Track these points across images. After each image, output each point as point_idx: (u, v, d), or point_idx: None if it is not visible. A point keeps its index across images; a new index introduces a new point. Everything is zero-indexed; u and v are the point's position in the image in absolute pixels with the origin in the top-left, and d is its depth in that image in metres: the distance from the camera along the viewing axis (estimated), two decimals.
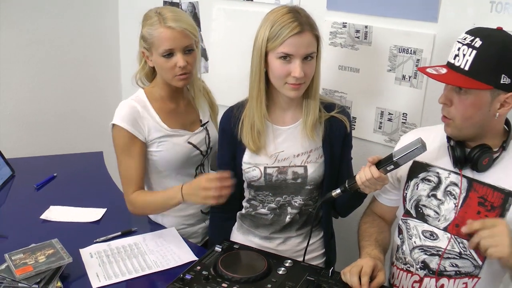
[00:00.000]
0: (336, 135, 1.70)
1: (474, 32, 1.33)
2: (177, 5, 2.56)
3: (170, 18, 1.73)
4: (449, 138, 1.46)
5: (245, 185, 1.79)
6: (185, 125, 1.92)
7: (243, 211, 1.83)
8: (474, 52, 1.30)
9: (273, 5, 2.32)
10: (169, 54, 1.74)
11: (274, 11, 1.58)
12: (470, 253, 1.41)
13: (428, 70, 1.38)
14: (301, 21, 1.53)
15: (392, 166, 1.43)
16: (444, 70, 1.35)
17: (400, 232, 1.58)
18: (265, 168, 1.69)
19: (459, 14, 1.91)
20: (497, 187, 1.37)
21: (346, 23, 2.16)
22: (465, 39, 1.33)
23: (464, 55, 1.32)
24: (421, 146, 1.38)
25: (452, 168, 1.46)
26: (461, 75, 1.32)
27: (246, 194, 1.81)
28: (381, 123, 2.18)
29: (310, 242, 1.68)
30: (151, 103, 1.86)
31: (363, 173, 1.46)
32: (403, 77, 2.08)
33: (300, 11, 1.58)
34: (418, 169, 1.54)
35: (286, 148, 1.69)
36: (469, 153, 1.39)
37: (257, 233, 1.79)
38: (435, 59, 1.98)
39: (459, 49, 1.34)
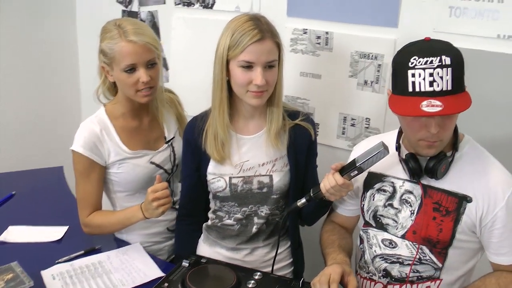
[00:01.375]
0: (300, 143, 1.69)
1: (433, 53, 1.28)
2: (135, 14, 2.52)
3: (131, 32, 1.68)
4: (398, 149, 1.46)
5: (210, 196, 1.77)
6: (149, 144, 1.88)
7: (209, 222, 1.81)
8: (450, 69, 1.26)
9: (234, 12, 2.29)
10: (131, 69, 1.69)
11: (235, 19, 1.57)
12: (430, 257, 1.42)
13: (425, 109, 1.25)
14: (262, 29, 1.52)
15: (356, 172, 1.43)
16: (437, 102, 1.25)
17: (361, 241, 1.59)
18: (230, 178, 1.67)
19: (419, 19, 1.92)
20: (451, 191, 1.39)
21: (306, 29, 2.16)
22: (431, 62, 1.27)
23: (441, 77, 1.26)
24: (384, 150, 1.37)
25: (406, 177, 1.47)
26: (451, 97, 1.27)
27: (212, 205, 1.79)
28: (344, 128, 2.18)
29: (278, 252, 1.67)
30: (113, 122, 1.81)
31: (327, 181, 1.45)
32: (365, 82, 2.09)
33: (261, 18, 1.56)
34: (373, 179, 1.55)
35: (251, 157, 1.68)
36: (427, 164, 1.39)
37: (224, 244, 1.77)
38: None
39: (431, 74, 1.26)
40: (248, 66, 1.52)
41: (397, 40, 1.98)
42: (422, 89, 1.27)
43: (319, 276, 1.40)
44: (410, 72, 1.28)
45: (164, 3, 2.51)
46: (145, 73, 1.69)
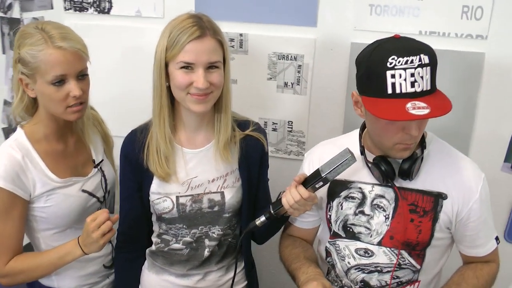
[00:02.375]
0: (253, 156, 1.55)
1: (411, 52, 1.20)
2: (17, 21, 2.11)
3: (58, 36, 1.39)
4: (363, 153, 1.40)
5: (153, 218, 1.56)
6: (77, 169, 1.58)
7: (154, 247, 1.59)
8: (429, 68, 1.21)
9: (134, 18, 2.07)
10: (60, 81, 1.40)
11: (174, 19, 1.40)
12: (409, 261, 1.38)
13: (412, 112, 1.17)
14: (202, 25, 1.36)
15: (321, 183, 1.33)
16: (423, 104, 1.18)
17: (329, 254, 1.50)
18: (177, 197, 1.48)
19: (339, 18, 1.90)
20: (425, 191, 1.36)
21: None
22: (412, 62, 1.19)
23: (422, 77, 1.19)
24: (351, 157, 1.28)
25: (373, 181, 1.40)
26: (431, 96, 1.21)
27: (156, 228, 1.58)
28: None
29: (227, 275, 1.55)
30: (35, 147, 1.49)
31: (290, 195, 1.34)
32: (285, 84, 2.01)
33: (202, 17, 1.41)
34: (337, 187, 1.45)
35: (199, 173, 1.50)
36: (402, 166, 1.34)
37: (173, 271, 1.57)
38: (317, 64, 1.95)
39: (412, 74, 1.19)
40: (188, 67, 1.35)
41: (317, 39, 1.93)
42: (403, 91, 1.20)
43: None
44: (389, 73, 1.20)
45: (52, 8, 2.14)
46: (76, 86, 1.42)
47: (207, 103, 1.41)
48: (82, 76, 1.46)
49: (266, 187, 1.62)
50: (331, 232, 1.48)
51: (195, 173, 1.50)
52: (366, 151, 1.41)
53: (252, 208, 1.56)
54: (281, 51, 1.97)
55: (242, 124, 1.55)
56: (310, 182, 1.33)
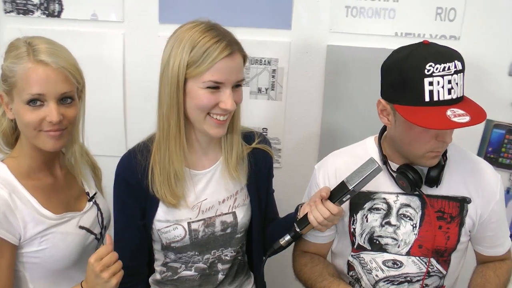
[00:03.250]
0: (261, 169, 1.46)
1: (447, 58, 1.20)
2: None
3: (44, 51, 1.20)
4: (386, 162, 1.38)
5: (157, 247, 1.41)
6: (70, 204, 1.36)
7: (158, 276, 1.45)
8: (462, 74, 1.22)
9: (89, 21, 1.84)
10: (36, 101, 1.20)
11: (188, 28, 1.26)
12: (437, 268, 1.39)
13: (455, 120, 1.16)
14: (229, 40, 1.25)
15: (348, 196, 1.28)
16: (461, 111, 1.18)
17: (351, 268, 1.47)
18: (189, 224, 1.35)
19: (314, 20, 1.85)
20: (450, 196, 1.38)
21: None
22: (449, 68, 1.18)
23: (457, 83, 1.20)
24: (378, 167, 1.25)
25: (398, 190, 1.39)
26: (463, 103, 1.22)
27: (160, 257, 1.43)
28: None
29: None
30: (21, 182, 1.26)
31: (318, 212, 1.27)
32: (259, 90, 1.92)
33: (218, 26, 1.28)
34: (361, 199, 1.41)
35: (209, 195, 1.38)
36: (429, 174, 1.34)
37: None
38: (293, 68, 1.90)
39: (450, 81, 1.18)
40: (216, 87, 1.23)
41: (292, 42, 1.87)
42: (441, 98, 1.19)
43: None
44: (427, 80, 1.18)
45: None
46: (55, 110, 1.21)
47: (224, 128, 1.31)
48: (66, 100, 1.25)
49: (273, 199, 1.55)
50: (355, 246, 1.44)
51: (205, 195, 1.38)
52: (388, 160, 1.38)
53: (262, 223, 1.48)
54: (254, 55, 1.88)
55: (247, 136, 1.45)
56: (337, 195, 1.28)
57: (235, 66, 1.25)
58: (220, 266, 1.44)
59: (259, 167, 1.45)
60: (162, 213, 1.34)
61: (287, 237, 1.33)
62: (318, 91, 1.92)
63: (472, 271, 1.49)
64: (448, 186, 1.37)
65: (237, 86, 1.28)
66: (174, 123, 1.27)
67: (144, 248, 1.41)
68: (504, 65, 1.84)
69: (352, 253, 1.45)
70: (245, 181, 1.42)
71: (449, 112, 1.18)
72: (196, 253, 1.40)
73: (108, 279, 1.17)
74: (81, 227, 1.36)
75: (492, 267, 1.45)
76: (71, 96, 1.25)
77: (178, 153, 1.30)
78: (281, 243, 1.34)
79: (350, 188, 1.25)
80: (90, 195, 1.42)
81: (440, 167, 1.33)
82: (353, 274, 1.46)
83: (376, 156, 1.39)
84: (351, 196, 1.29)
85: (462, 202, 1.36)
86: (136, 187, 1.33)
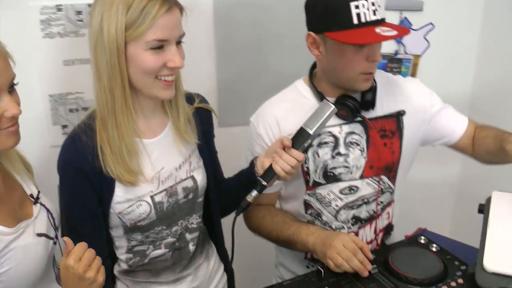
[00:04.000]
0: (207, 129, 1.41)
1: None
2: None
3: None
4: (323, 99, 1.41)
5: (119, 232, 1.27)
6: (17, 213, 1.12)
7: (125, 266, 1.31)
8: None
9: None
10: None
11: None
12: (388, 184, 1.48)
13: (385, 34, 1.25)
14: None
15: (309, 141, 1.30)
16: (388, 28, 1.27)
17: (309, 207, 1.49)
18: (152, 197, 1.24)
19: None
20: (387, 114, 1.46)
21: (61, 5, 1.64)
22: None
23: (379, 5, 1.28)
24: (334, 108, 1.30)
25: (339, 121, 1.43)
26: (388, 23, 1.30)
27: (122, 243, 1.29)
28: None
29: (210, 263, 1.44)
30: None
31: (284, 162, 1.27)
32: None
33: None
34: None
35: (165, 163, 1.28)
36: (364, 98, 1.41)
37: (162, 280, 1.35)
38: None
39: (373, 3, 1.26)
40: (160, 46, 1.13)
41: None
42: (368, 19, 1.27)
43: (338, 255, 1.25)
44: (353, 4, 1.25)
45: None
46: (12, 102, 1.04)
47: (173, 87, 1.22)
48: (12, 88, 1.06)
49: (217, 158, 1.50)
50: (310, 183, 1.45)
51: (161, 164, 1.27)
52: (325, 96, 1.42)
53: (216, 185, 1.42)
54: None
55: (187, 98, 1.36)
56: (298, 142, 1.29)
57: (175, 21, 1.15)
58: (188, 236, 1.35)
59: (205, 127, 1.39)
60: (121, 193, 1.20)
61: (254, 193, 1.30)
62: (210, 48, 1.86)
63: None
64: (382, 107, 1.45)
65: (178, 42, 1.18)
66: (119, 94, 1.14)
67: (105, 238, 1.25)
68: None
69: (308, 192, 1.46)
70: (195, 143, 1.34)
71: (377, 30, 1.26)
72: (164, 227, 1.29)
73: (94, 278, 1.02)
74: (39, 234, 1.14)
75: (480, 129, 1.50)
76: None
77: (127, 126, 1.17)
78: (249, 200, 1.30)
79: (311, 133, 1.27)
80: (34, 197, 1.18)
81: (373, 90, 1.41)
82: (312, 212, 1.48)
83: (311, 96, 1.43)
84: (311, 141, 1.30)
85: (398, 116, 1.46)
86: (90, 172, 1.17)
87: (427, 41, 2.17)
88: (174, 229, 1.30)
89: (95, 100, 1.17)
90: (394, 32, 1.26)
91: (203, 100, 1.40)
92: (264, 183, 1.29)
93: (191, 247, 1.36)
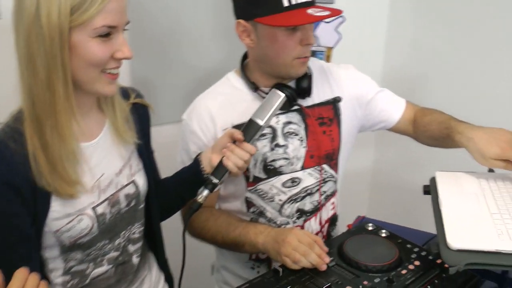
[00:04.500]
0: (145, 126, 1.26)
1: None
2: None
3: None
4: (257, 89, 1.35)
5: (55, 253, 1.08)
6: None
7: None
8: None
9: None
10: None
11: None
12: (330, 173, 1.44)
13: (317, 14, 1.20)
14: None
15: (260, 133, 1.23)
16: (318, 9, 1.22)
17: (251, 205, 1.40)
18: (94, 209, 1.07)
19: None
20: (323, 102, 1.42)
21: None
22: None
23: None
24: (284, 97, 1.24)
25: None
26: (320, 5, 1.26)
27: (58, 265, 1.09)
28: None
29: (152, 273, 1.30)
30: None
31: (236, 156, 1.18)
32: None
33: None
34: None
35: (104, 169, 1.11)
36: (300, 85, 1.35)
37: None
38: None
39: None
40: (108, 34, 0.98)
41: None
42: (299, 0, 1.23)
43: (295, 251, 1.17)
44: None
45: None
46: None
47: (116, 82, 1.07)
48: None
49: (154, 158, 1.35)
50: (250, 179, 1.37)
51: (100, 170, 1.10)
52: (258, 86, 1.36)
53: (155, 188, 1.27)
54: None
55: (122, 92, 1.20)
56: (249, 135, 1.21)
57: (124, 5, 1.00)
58: (131, 248, 1.20)
59: (143, 125, 1.24)
60: (58, 207, 1.02)
61: (205, 192, 1.19)
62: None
63: None
64: (318, 94, 1.41)
65: (124, 30, 1.04)
66: (61, 90, 0.96)
67: (38, 262, 1.05)
68: None
69: (249, 188, 1.38)
70: (134, 143, 1.19)
71: (309, 11, 1.22)
72: (106, 241, 1.12)
73: None
74: None
75: (422, 113, 1.47)
76: None
77: (69, 128, 1.00)
78: (200, 200, 1.19)
79: (262, 125, 1.20)
80: None
81: (308, 77, 1.36)
82: (254, 209, 1.40)
83: (244, 87, 1.37)
84: (261, 133, 1.24)
85: (335, 103, 1.43)
86: (22, 186, 0.97)
87: (339, 33, 2.18)
88: (117, 242, 1.14)
89: (23, 99, 0.98)
90: (327, 12, 1.22)
91: (138, 94, 1.25)
92: (215, 181, 1.19)
93: (135, 259, 1.21)
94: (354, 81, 1.47)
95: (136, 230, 1.20)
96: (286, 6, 1.20)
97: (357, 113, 1.46)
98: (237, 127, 1.32)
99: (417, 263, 1.18)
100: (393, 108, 1.48)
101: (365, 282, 1.11)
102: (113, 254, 1.14)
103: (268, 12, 1.21)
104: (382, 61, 2.34)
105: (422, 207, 2.06)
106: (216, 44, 1.85)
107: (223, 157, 1.19)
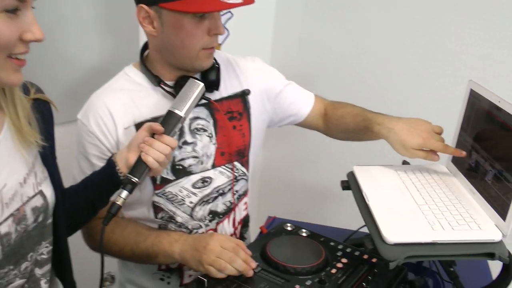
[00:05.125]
0: (49, 126, 1.03)
1: None
2: None
3: None
4: (160, 82, 1.20)
5: None
6: None
7: None
8: None
9: None
10: None
11: None
12: (242, 170, 1.33)
13: (229, 2, 1.09)
14: None
15: (180, 125, 1.09)
16: None
17: (159, 210, 1.24)
18: None
19: None
20: (232, 95, 1.30)
21: None
22: None
23: None
24: (203, 86, 1.11)
25: None
26: None
27: None
28: None
29: None
30: None
31: (156, 151, 1.02)
32: None
33: None
34: None
35: (7, 177, 0.89)
36: (208, 78, 1.23)
37: None
38: None
39: None
40: (15, 8, 0.79)
41: None
42: None
43: (219, 264, 1.04)
44: None
45: None
46: None
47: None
48: None
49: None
50: (158, 181, 1.21)
51: (2, 180, 0.87)
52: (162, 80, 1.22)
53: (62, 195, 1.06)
54: None
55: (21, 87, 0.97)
56: (169, 128, 1.06)
57: None
58: (39, 272, 0.97)
59: (46, 124, 1.01)
60: None
61: (124, 193, 1.02)
62: None
63: None
64: (226, 87, 1.30)
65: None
66: None
67: None
68: None
69: (156, 192, 1.22)
70: (38, 146, 0.96)
71: None
72: (11, 266, 0.89)
73: None
74: None
75: (333, 107, 1.42)
76: None
77: None
78: (119, 203, 1.02)
79: (182, 116, 1.07)
80: None
81: (216, 69, 1.25)
82: (163, 215, 1.25)
83: (145, 81, 1.23)
84: (181, 125, 1.10)
85: (243, 96, 1.32)
86: None
87: (227, 29, 2.10)
88: (23, 267, 0.91)
89: None
90: (239, 0, 1.11)
91: (39, 89, 1.02)
92: (135, 179, 1.02)
93: (44, 285, 0.98)
94: (262, 73, 1.38)
95: (44, 250, 0.97)
96: None
97: (266, 106, 1.37)
98: (140, 124, 1.17)
99: (344, 260, 1.13)
100: (302, 101, 1.42)
101: (297, 286, 1.03)
102: (19, 281, 0.91)
103: None
104: (269, 58, 2.30)
105: (317, 204, 2.05)
106: (99, 37, 1.64)
107: (141, 152, 1.03)
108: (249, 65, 1.38)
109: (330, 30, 2.09)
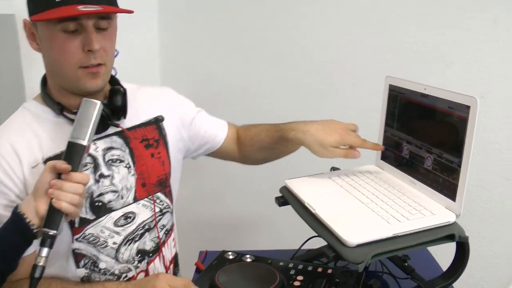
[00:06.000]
0: None
1: None
2: None
3: None
4: (61, 108, 1.06)
5: None
6: None
7: None
8: None
9: None
10: None
11: None
12: (166, 202, 1.19)
13: (82, 9, 0.98)
14: None
15: (86, 155, 0.94)
16: (94, 5, 1.00)
17: (79, 257, 1.07)
18: None
19: None
20: (145, 122, 1.18)
21: None
22: None
23: None
24: (100, 104, 0.97)
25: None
26: (108, 6, 1.04)
27: None
28: None
29: None
30: None
31: (68, 194, 0.88)
32: None
33: None
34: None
35: None
36: (113, 103, 1.10)
37: None
38: None
39: None
40: None
41: None
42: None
43: None
44: None
45: None
46: None
47: None
48: None
49: None
50: (76, 224, 1.04)
51: None
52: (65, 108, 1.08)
53: None
54: None
55: None
56: (75, 162, 0.91)
57: None
58: None
59: None
60: None
61: (44, 251, 0.87)
62: None
63: None
64: (137, 115, 1.18)
65: None
66: None
67: None
68: None
69: (76, 236, 1.05)
70: None
71: (81, 7, 1.01)
72: None
73: None
74: None
75: (244, 130, 1.36)
76: None
77: None
78: (42, 263, 0.86)
79: (85, 144, 0.93)
80: None
81: (120, 93, 1.12)
82: (85, 262, 1.07)
83: (48, 113, 1.08)
84: (87, 154, 0.95)
85: (157, 123, 1.21)
86: None
87: (115, 50, 1.96)
88: None
89: None
90: (98, 8, 1.02)
91: None
92: (52, 232, 0.86)
93: None
94: (175, 100, 1.29)
95: None
96: (58, 2, 0.99)
97: (182, 134, 1.26)
98: (50, 159, 1.00)
99: (300, 277, 1.04)
100: (217, 128, 1.34)
101: None
102: None
103: (42, 8, 0.99)
104: (158, 71, 2.19)
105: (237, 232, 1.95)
106: None
107: (51, 199, 0.87)
108: (160, 92, 1.28)
109: (213, 37, 2.04)
